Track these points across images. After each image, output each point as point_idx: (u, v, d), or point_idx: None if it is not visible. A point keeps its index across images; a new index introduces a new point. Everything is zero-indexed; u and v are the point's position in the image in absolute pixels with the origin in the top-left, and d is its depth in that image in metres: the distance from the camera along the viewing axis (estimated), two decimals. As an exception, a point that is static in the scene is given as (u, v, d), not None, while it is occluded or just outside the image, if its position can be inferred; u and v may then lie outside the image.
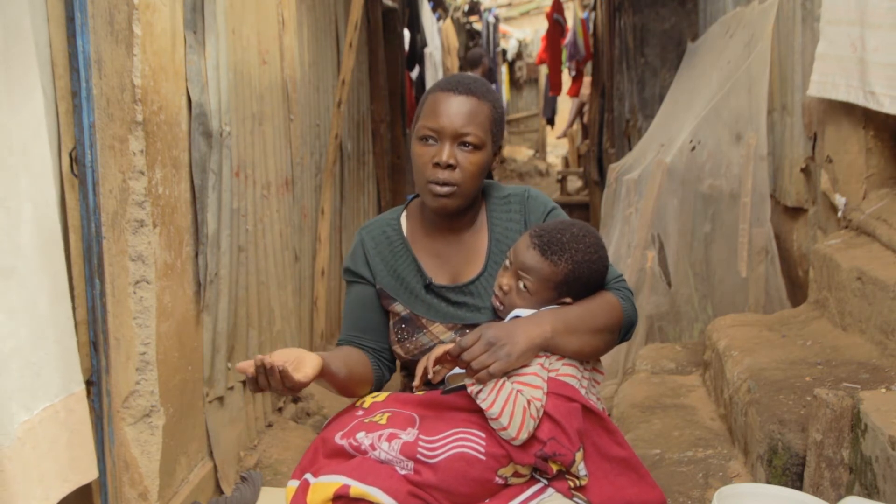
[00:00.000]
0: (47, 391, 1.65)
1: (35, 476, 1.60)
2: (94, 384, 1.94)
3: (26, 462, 1.58)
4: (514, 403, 1.33)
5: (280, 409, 3.47)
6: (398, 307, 1.61)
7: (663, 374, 3.13)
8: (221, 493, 2.66)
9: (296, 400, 3.58)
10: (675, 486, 2.19)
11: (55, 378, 1.68)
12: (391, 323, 1.63)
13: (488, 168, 1.58)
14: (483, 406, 1.34)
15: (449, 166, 1.51)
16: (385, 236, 1.65)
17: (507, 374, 1.37)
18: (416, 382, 1.46)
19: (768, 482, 2.01)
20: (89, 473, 1.78)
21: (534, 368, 1.39)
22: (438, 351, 1.43)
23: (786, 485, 1.96)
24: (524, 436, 1.33)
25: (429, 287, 1.59)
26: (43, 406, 1.64)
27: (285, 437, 3.19)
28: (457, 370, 1.46)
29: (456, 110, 1.51)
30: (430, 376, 1.44)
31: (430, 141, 1.53)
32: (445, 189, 1.52)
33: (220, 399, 2.75)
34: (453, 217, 1.60)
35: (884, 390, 1.90)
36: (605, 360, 1.58)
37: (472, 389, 1.36)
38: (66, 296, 1.74)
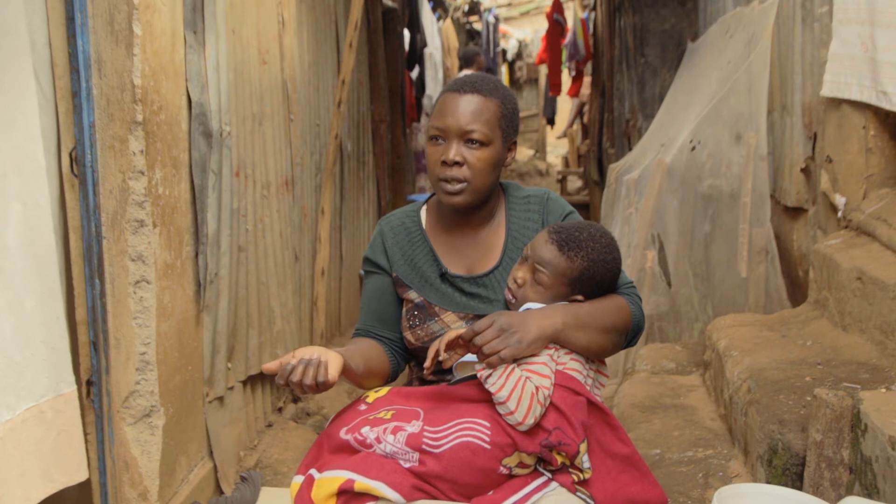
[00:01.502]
0: (32, 391, 1.65)
1: (15, 475, 1.60)
2: (94, 384, 1.94)
3: (8, 461, 1.58)
4: (523, 389, 1.34)
5: (280, 409, 3.47)
6: (412, 295, 1.65)
7: (663, 374, 3.13)
8: (221, 493, 2.65)
9: (296, 400, 3.58)
10: (675, 486, 2.19)
11: (41, 379, 1.67)
12: (404, 310, 1.66)
13: (499, 163, 1.61)
14: (492, 390, 1.35)
15: (456, 163, 1.55)
16: (404, 227, 1.70)
17: (517, 360, 1.39)
18: (427, 364, 1.48)
19: (768, 482, 2.01)
20: (78, 475, 1.78)
21: (543, 358, 1.41)
22: (451, 335, 1.45)
23: (786, 485, 1.96)
24: (530, 421, 1.34)
25: (444, 276, 1.63)
26: (26, 406, 1.63)
27: (285, 437, 3.19)
28: (465, 358, 1.48)
29: (462, 109, 1.55)
30: (440, 359, 1.45)
31: (439, 140, 1.58)
32: (457, 187, 1.56)
33: (220, 399, 2.75)
34: (470, 212, 1.64)
35: (884, 390, 1.90)
36: (606, 360, 1.59)
37: (481, 374, 1.38)
38: (57, 297, 1.73)
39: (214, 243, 2.62)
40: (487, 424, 1.37)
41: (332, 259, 4.25)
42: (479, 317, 1.58)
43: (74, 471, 1.77)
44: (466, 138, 1.55)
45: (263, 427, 3.24)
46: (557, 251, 1.50)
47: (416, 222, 1.70)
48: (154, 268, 2.16)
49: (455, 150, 1.55)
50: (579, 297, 1.52)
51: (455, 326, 1.59)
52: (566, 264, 1.49)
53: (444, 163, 1.55)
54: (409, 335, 1.64)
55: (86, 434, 1.94)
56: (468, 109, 1.55)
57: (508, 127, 1.61)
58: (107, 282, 1.97)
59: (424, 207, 1.74)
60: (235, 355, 2.87)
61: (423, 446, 1.36)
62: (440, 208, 1.69)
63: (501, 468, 1.37)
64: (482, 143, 1.55)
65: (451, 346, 1.45)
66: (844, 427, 1.82)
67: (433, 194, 1.73)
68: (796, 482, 1.98)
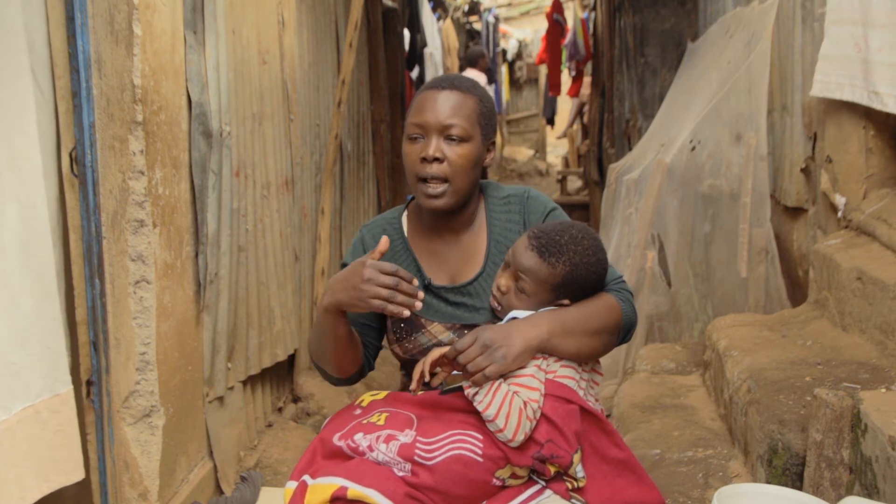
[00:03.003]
0: (28, 391, 1.65)
1: (11, 476, 1.59)
2: (94, 384, 1.94)
3: (4, 461, 1.57)
4: (510, 405, 1.33)
5: (280, 409, 3.47)
6: None
7: (663, 374, 3.13)
8: (221, 493, 2.66)
9: (295, 400, 3.58)
10: (675, 486, 2.19)
11: (37, 379, 1.67)
12: (389, 322, 1.62)
13: (480, 162, 1.58)
14: (479, 408, 1.34)
15: (436, 160, 1.52)
16: (385, 235, 1.65)
17: (504, 376, 1.37)
18: (413, 387, 1.46)
19: (768, 482, 2.01)
20: (74, 474, 1.77)
21: (530, 370, 1.39)
22: (435, 354, 1.43)
23: (786, 485, 1.96)
24: (521, 437, 1.33)
25: (428, 287, 1.60)
26: (22, 406, 1.63)
27: (285, 437, 3.19)
28: (455, 372, 1.46)
29: (440, 105, 1.52)
30: (427, 379, 1.44)
31: (418, 138, 1.54)
32: (438, 189, 1.52)
33: (220, 399, 2.75)
34: (451, 216, 1.60)
35: (884, 390, 1.90)
36: (605, 360, 1.58)
37: (468, 392, 1.36)
38: (53, 297, 1.73)
39: (214, 243, 2.62)
40: (480, 437, 1.36)
41: (332, 259, 4.25)
42: (467, 326, 1.55)
43: (71, 471, 1.77)
44: (446, 134, 1.51)
45: (263, 427, 3.24)
46: (538, 258, 1.45)
47: (398, 229, 1.66)
48: (154, 268, 2.16)
49: (435, 146, 1.51)
50: (565, 302, 1.48)
51: (442, 337, 1.56)
52: (548, 271, 1.45)
53: (424, 159, 1.51)
54: (396, 348, 1.61)
55: (86, 434, 1.93)
56: (447, 105, 1.52)
57: (487, 125, 1.58)
58: (107, 282, 1.97)
59: (405, 213, 1.69)
60: (235, 355, 2.87)
61: (416, 457, 1.34)
62: (420, 213, 1.65)
63: (494, 480, 1.36)
64: (462, 139, 1.52)
65: (435, 366, 1.43)
66: (844, 427, 1.81)
67: (412, 198, 1.69)
68: (796, 482, 1.98)
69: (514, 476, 1.37)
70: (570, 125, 12.44)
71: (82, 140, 1.84)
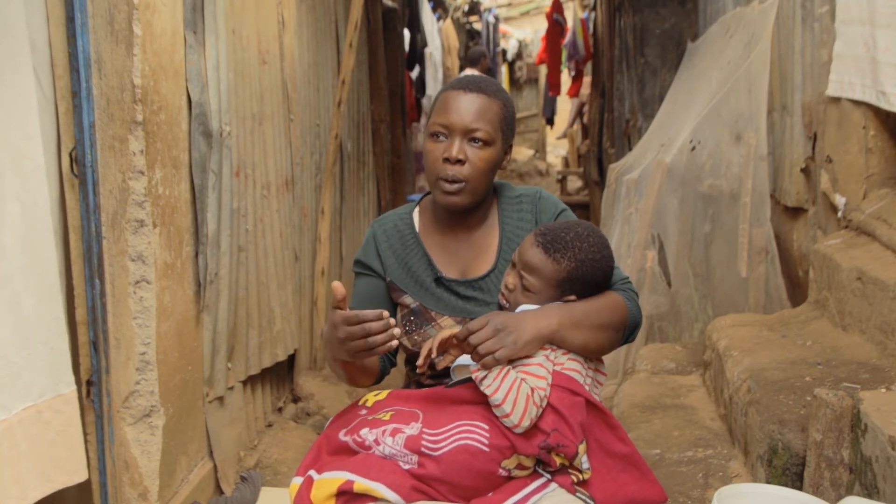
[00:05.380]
0: (29, 392, 1.65)
1: (11, 476, 1.59)
2: (94, 384, 1.94)
3: (4, 461, 1.58)
4: (518, 391, 1.34)
5: (280, 409, 3.47)
6: (407, 299, 1.63)
7: (663, 374, 3.13)
8: (221, 493, 2.66)
9: (295, 400, 3.58)
10: (675, 486, 2.19)
11: (39, 379, 1.67)
12: (399, 315, 1.65)
13: (498, 165, 1.60)
14: (487, 392, 1.35)
15: (458, 161, 1.54)
16: (397, 230, 1.68)
17: (512, 362, 1.39)
18: (419, 362, 1.47)
19: (768, 482, 2.01)
20: (77, 475, 1.77)
21: (538, 359, 1.40)
22: (444, 334, 1.45)
23: (786, 485, 1.96)
24: (526, 423, 1.34)
25: (439, 280, 1.62)
26: (23, 406, 1.63)
27: (285, 437, 3.19)
28: (461, 361, 1.47)
29: (466, 107, 1.54)
30: (433, 357, 1.45)
31: (441, 137, 1.56)
32: (455, 186, 1.55)
33: (220, 399, 2.75)
34: (464, 214, 1.63)
35: (884, 390, 1.90)
36: (606, 360, 1.59)
37: (476, 375, 1.37)
38: (56, 297, 1.73)
39: (214, 243, 2.62)
40: (486, 427, 1.36)
41: (332, 259, 4.25)
42: None
43: (73, 471, 1.77)
44: (470, 136, 1.54)
45: (263, 427, 3.24)
46: (543, 254, 1.48)
47: (409, 225, 1.68)
48: (154, 268, 2.16)
49: (458, 148, 1.53)
50: (572, 297, 1.50)
51: None
52: (553, 267, 1.48)
53: (447, 160, 1.54)
54: (404, 340, 1.63)
55: (86, 434, 1.93)
56: (472, 108, 1.54)
57: (508, 129, 1.60)
58: (107, 282, 1.97)
59: (417, 209, 1.72)
60: (235, 355, 2.87)
61: (422, 449, 1.35)
62: (433, 210, 1.67)
63: (500, 470, 1.36)
64: (485, 143, 1.54)
65: (444, 346, 1.45)
66: (844, 427, 1.82)
67: (425, 195, 1.71)
68: (796, 482, 1.98)
69: (520, 466, 1.38)
70: (571, 125, 12.44)
71: (82, 140, 1.84)
